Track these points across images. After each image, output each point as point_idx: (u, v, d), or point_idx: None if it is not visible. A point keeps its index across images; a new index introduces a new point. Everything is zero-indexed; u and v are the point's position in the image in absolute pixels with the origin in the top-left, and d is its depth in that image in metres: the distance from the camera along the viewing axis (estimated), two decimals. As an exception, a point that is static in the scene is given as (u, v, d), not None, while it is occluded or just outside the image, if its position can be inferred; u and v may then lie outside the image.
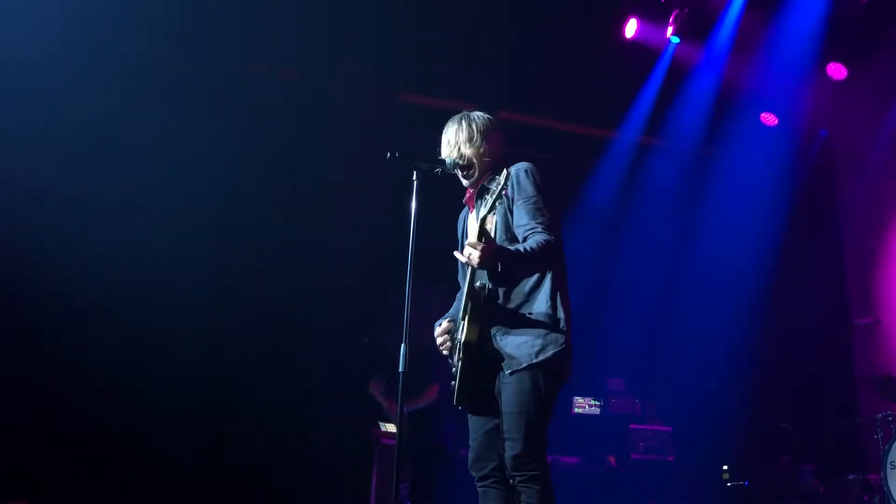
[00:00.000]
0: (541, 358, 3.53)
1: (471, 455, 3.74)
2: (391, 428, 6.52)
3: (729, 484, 7.36)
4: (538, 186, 3.64)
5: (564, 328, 3.59)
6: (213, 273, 7.13)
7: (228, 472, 6.77)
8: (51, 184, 6.55)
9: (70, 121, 6.53)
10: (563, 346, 3.57)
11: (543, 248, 3.51)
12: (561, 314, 3.59)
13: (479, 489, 3.72)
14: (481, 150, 3.81)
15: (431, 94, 7.77)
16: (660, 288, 8.52)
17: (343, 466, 7.00)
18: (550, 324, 3.57)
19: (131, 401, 6.55)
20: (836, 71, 7.97)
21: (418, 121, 7.21)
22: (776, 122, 8.50)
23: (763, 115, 8.52)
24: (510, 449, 3.52)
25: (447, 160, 3.81)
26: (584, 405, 7.92)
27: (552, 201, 3.67)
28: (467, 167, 3.82)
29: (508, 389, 3.56)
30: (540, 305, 3.59)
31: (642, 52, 7.93)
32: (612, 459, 7.64)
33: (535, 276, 3.63)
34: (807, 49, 7.73)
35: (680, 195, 8.62)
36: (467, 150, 3.81)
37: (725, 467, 7.50)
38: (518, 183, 3.57)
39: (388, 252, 6.26)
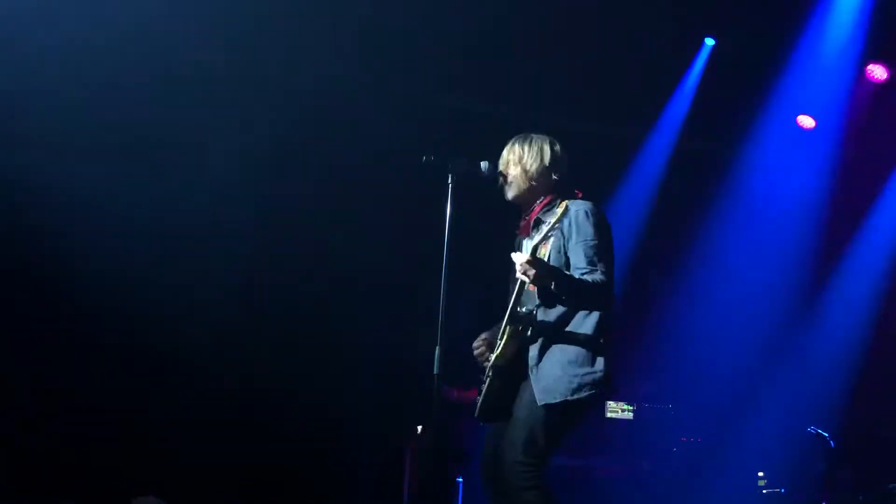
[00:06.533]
0: (575, 397, 3.51)
1: (481, 459, 3.75)
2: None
3: (765, 491, 7.28)
4: (597, 230, 3.61)
5: (603, 370, 3.57)
6: (246, 276, 7.16)
7: (258, 474, 6.80)
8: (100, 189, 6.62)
9: (106, 125, 6.59)
10: (597, 391, 3.55)
11: (598, 285, 3.51)
12: (601, 361, 3.56)
13: (485, 494, 3.72)
14: (532, 173, 3.78)
15: (469, 96, 7.73)
16: (694, 291, 8.42)
17: (374, 470, 7.00)
18: (590, 363, 3.54)
19: (161, 401, 6.58)
20: (877, 72, 7.83)
21: (456, 125, 7.19)
22: (814, 124, 8.36)
23: (800, 117, 8.38)
24: (509, 454, 3.51)
25: (482, 166, 3.81)
26: (616, 410, 7.86)
27: (609, 244, 3.65)
28: (510, 183, 3.81)
29: (526, 396, 3.55)
30: (584, 343, 3.56)
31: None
32: (645, 465, 7.58)
33: (583, 314, 3.59)
34: (846, 49, 7.60)
35: (714, 198, 8.51)
36: (516, 170, 3.80)
37: (761, 473, 7.42)
38: (577, 223, 3.57)
39: (422, 256, 6.23)
